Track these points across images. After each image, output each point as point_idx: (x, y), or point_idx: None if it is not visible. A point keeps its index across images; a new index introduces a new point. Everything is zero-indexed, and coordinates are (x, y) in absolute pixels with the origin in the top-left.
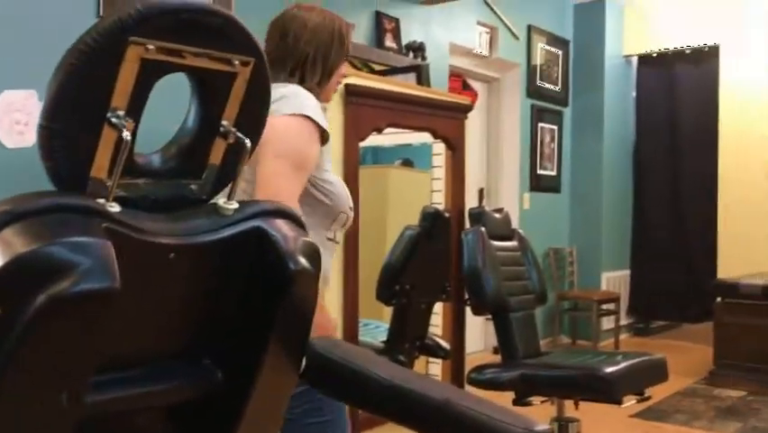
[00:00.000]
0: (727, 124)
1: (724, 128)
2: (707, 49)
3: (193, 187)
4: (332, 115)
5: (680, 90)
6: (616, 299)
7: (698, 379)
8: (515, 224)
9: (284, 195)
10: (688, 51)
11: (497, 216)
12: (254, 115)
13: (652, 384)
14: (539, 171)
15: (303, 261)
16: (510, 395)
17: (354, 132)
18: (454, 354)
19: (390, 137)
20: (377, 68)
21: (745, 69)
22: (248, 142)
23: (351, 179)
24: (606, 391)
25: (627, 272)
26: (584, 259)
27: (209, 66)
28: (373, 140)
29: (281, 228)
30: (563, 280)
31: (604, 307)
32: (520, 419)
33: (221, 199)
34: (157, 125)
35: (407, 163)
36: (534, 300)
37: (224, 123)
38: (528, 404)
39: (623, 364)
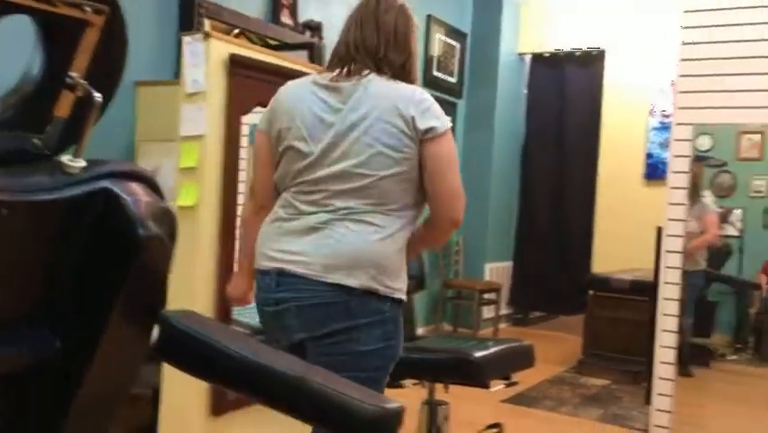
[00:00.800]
0: (609, 126)
1: (606, 130)
2: (594, 52)
3: (35, 140)
4: (214, 86)
5: (568, 91)
6: (497, 290)
7: (567, 368)
8: None
9: None
10: (577, 54)
11: None
12: (108, 68)
13: (519, 370)
14: None
15: (154, 226)
16: None
17: (238, 105)
18: None
19: None
20: (272, 44)
21: (627, 74)
22: (98, 96)
23: (232, 152)
24: (474, 374)
25: (510, 264)
26: (470, 249)
27: (56, 10)
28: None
29: (134, 191)
30: (449, 268)
31: (486, 296)
32: (373, 396)
33: (66, 156)
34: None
35: None
36: (414, 285)
37: (73, 74)
38: (400, 386)
39: (491, 350)
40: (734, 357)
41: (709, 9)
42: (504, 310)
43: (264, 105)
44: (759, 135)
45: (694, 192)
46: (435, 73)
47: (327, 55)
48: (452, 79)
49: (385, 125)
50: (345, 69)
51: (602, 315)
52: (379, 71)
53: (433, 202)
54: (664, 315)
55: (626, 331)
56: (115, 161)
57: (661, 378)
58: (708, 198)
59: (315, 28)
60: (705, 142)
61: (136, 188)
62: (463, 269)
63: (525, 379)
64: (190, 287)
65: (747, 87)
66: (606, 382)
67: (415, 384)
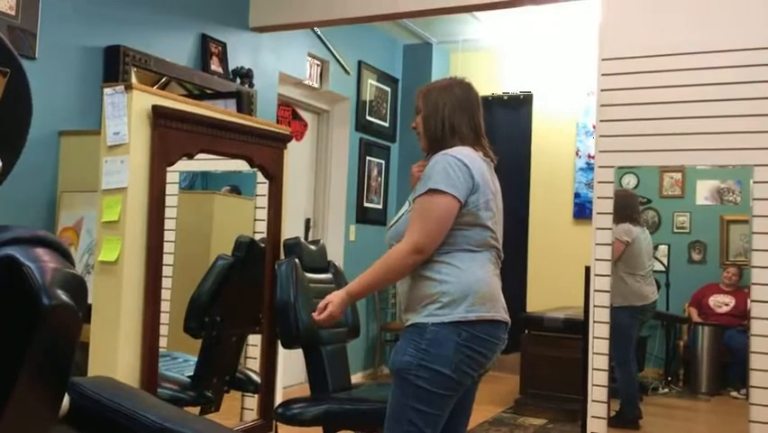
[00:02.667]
0: (539, 167)
1: (535, 172)
2: (522, 96)
3: None
4: (137, 138)
5: (498, 134)
6: None
7: (505, 408)
8: (340, 255)
9: None
10: (506, 97)
11: (312, 247)
12: (13, 130)
13: None
14: (366, 204)
15: (61, 294)
16: (316, 430)
17: (162, 156)
18: (264, 389)
19: (221, 163)
20: (206, 92)
21: (555, 116)
22: None
23: (156, 205)
24: None
25: None
26: None
27: None
28: (203, 164)
29: (39, 257)
30: (386, 311)
31: None
32: None
33: None
34: None
35: (235, 190)
36: (347, 334)
37: None
38: None
39: None
40: (665, 390)
41: (626, 57)
42: None
43: (190, 156)
44: (680, 174)
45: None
46: (368, 117)
47: (257, 103)
48: (385, 123)
49: None
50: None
51: (537, 354)
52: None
53: None
54: (595, 354)
55: (561, 369)
56: (21, 226)
57: (593, 417)
58: (622, 226)
59: (244, 75)
60: (631, 181)
61: (42, 254)
62: (400, 311)
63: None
64: (113, 345)
65: (665, 131)
66: (543, 421)
67: None
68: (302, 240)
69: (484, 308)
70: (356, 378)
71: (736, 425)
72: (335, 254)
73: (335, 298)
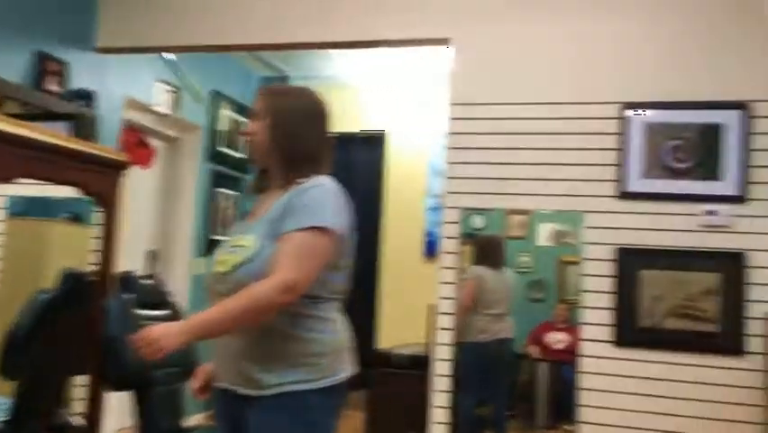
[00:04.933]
0: (391, 206)
1: (388, 210)
2: (376, 135)
3: None
4: None
5: (352, 171)
6: None
7: None
8: (186, 290)
9: None
10: (360, 135)
11: (147, 281)
12: None
13: None
14: (214, 237)
15: None
16: None
17: None
18: None
19: (59, 188)
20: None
21: (408, 156)
22: None
23: None
24: None
25: None
26: None
27: None
28: (39, 189)
29: None
30: None
31: None
32: None
33: None
34: None
35: (75, 218)
36: (182, 374)
37: None
38: None
39: None
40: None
41: (474, 103)
42: None
43: (7, 180)
44: (525, 216)
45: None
46: (220, 148)
47: (100, 126)
48: (239, 154)
49: None
50: None
51: (384, 391)
52: None
53: None
54: (436, 391)
55: (407, 406)
56: None
57: None
58: (476, 269)
59: (85, 97)
60: (479, 221)
61: None
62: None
63: None
64: None
65: (509, 175)
66: None
67: None
68: (134, 274)
69: (348, 367)
70: (197, 418)
71: None
72: (180, 289)
73: (171, 330)
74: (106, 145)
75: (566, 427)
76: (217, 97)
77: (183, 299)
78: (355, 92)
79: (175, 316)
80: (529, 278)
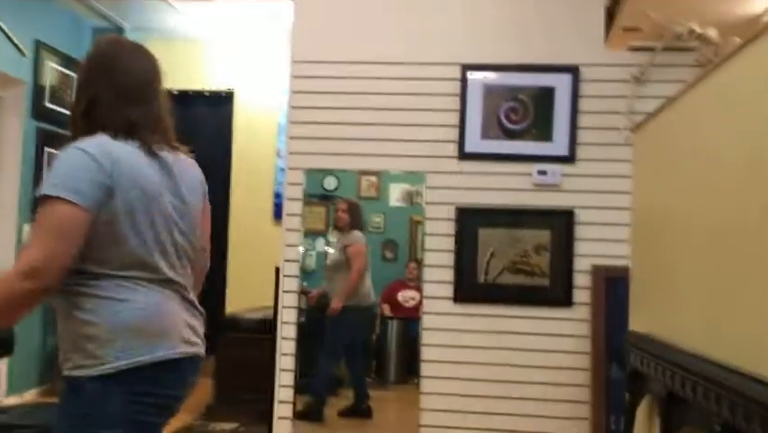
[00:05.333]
0: (240, 166)
1: (236, 171)
2: (224, 93)
3: None
4: None
5: (198, 131)
6: None
7: (197, 415)
8: (10, 258)
9: None
10: (207, 94)
11: None
12: None
13: None
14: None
15: None
16: None
17: None
18: None
19: None
20: None
21: (257, 115)
22: None
23: None
24: None
25: None
26: None
27: None
28: None
29: None
30: None
31: None
32: None
33: None
34: None
35: None
36: None
37: None
38: None
39: None
40: None
41: (317, 61)
42: None
43: None
44: (375, 177)
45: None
46: (48, 105)
47: None
48: (69, 112)
49: None
50: None
51: (232, 355)
52: None
53: None
54: (283, 354)
55: (254, 371)
56: None
57: (280, 417)
58: (358, 234)
59: None
60: (332, 182)
61: None
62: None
63: None
64: None
65: (355, 136)
66: (235, 425)
67: None
68: None
69: (141, 351)
70: (30, 395)
71: (413, 412)
72: (3, 257)
73: None
74: None
75: (415, 381)
76: (42, 49)
77: (9, 266)
78: (200, 47)
79: None
80: (382, 238)
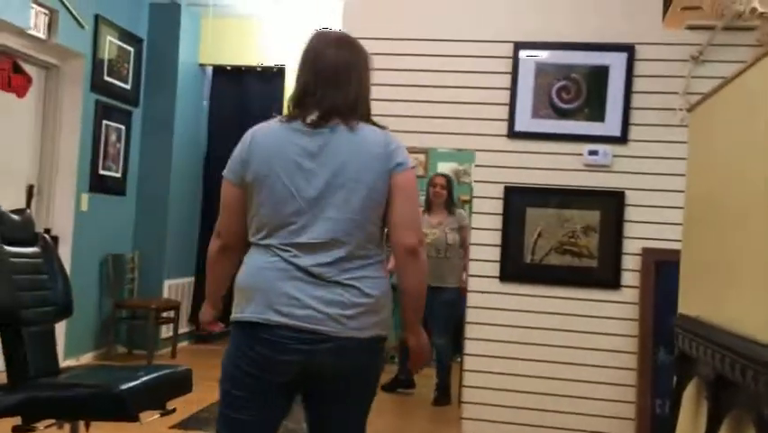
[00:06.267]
0: None
1: None
2: (275, 69)
3: None
4: None
5: (250, 105)
6: (175, 307)
7: None
8: (68, 226)
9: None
10: (259, 69)
11: (15, 217)
12: None
13: (174, 397)
14: (102, 172)
15: None
16: (14, 421)
17: None
18: None
19: None
20: None
21: None
22: None
23: None
24: (119, 409)
25: (193, 280)
26: (148, 266)
27: None
28: None
29: None
30: (123, 287)
31: (164, 315)
32: None
33: None
34: None
35: None
36: (56, 313)
37: None
38: (32, 430)
39: (141, 380)
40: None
41: (369, 38)
42: (185, 328)
43: None
44: (423, 155)
45: None
46: (107, 78)
47: None
48: (126, 86)
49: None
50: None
51: None
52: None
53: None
54: None
55: None
56: None
57: None
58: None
59: None
60: None
61: None
62: (139, 287)
63: (201, 399)
64: None
65: (408, 113)
66: None
67: (48, 426)
68: (2, 209)
69: (238, 309)
70: (86, 358)
71: (455, 388)
72: (63, 226)
73: None
74: None
75: (458, 359)
76: (102, 23)
77: (67, 236)
78: (252, 24)
79: (46, 253)
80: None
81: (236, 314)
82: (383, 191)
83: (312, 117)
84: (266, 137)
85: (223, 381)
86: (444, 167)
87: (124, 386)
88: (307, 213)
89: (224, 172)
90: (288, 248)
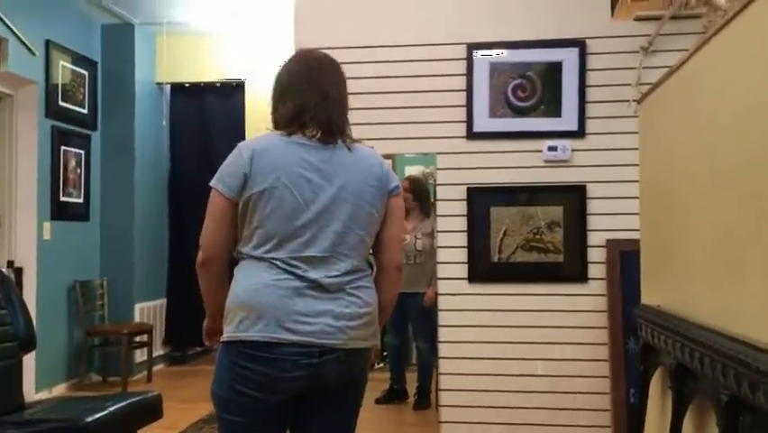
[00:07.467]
0: None
1: None
2: (234, 84)
3: None
4: None
5: (211, 121)
6: (149, 331)
7: None
8: (32, 256)
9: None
10: (218, 85)
11: None
12: None
13: (145, 424)
14: (63, 198)
15: None
16: None
17: None
18: None
19: None
20: None
21: (267, 103)
22: None
23: None
24: None
25: (164, 301)
26: (117, 290)
27: None
28: None
29: None
30: (93, 314)
31: (137, 339)
32: None
33: None
34: None
35: None
36: (19, 347)
37: None
38: None
39: (108, 410)
40: None
41: (322, 48)
42: (160, 351)
43: None
44: (390, 160)
45: None
46: (62, 103)
47: None
48: (82, 110)
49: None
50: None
51: None
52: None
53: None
54: None
55: None
56: None
57: None
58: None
59: None
60: None
61: None
62: (109, 313)
63: (180, 420)
64: None
65: (366, 120)
66: None
67: None
68: None
69: (242, 327)
70: (59, 389)
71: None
72: (26, 256)
73: None
74: None
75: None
76: (53, 48)
77: (31, 266)
78: (209, 39)
79: (4, 287)
80: None
81: (239, 333)
82: (381, 211)
83: (312, 132)
84: (269, 150)
85: (219, 411)
86: (412, 170)
87: (90, 418)
88: (315, 225)
89: (214, 183)
90: (296, 262)
